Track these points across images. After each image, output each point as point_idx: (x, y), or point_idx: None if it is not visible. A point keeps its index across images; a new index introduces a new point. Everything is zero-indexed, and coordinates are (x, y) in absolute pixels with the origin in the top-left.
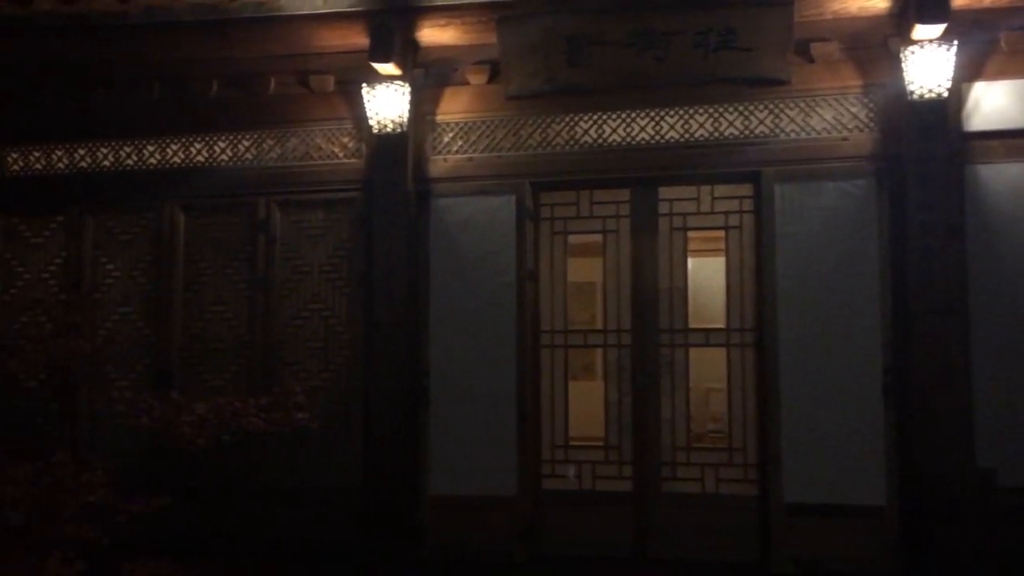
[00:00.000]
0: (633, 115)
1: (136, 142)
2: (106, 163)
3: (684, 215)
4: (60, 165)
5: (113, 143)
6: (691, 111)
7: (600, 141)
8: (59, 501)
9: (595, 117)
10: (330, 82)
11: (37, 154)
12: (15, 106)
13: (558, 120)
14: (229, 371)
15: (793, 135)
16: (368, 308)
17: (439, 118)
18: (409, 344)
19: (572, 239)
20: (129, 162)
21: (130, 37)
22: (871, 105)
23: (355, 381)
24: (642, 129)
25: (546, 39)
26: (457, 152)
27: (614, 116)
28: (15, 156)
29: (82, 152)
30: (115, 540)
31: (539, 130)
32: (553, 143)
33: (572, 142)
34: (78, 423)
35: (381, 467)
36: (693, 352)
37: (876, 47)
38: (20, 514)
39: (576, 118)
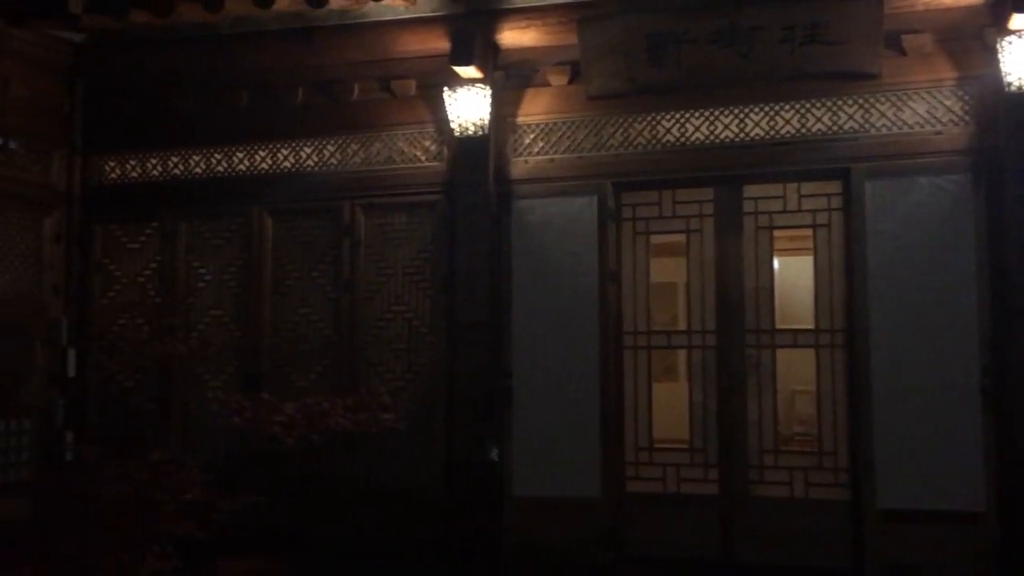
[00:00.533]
0: (716, 113)
1: (226, 149)
2: (198, 170)
3: (770, 213)
4: (154, 173)
5: (204, 150)
6: (777, 107)
7: (683, 140)
8: (157, 498)
9: (677, 116)
10: (412, 86)
11: (133, 163)
12: (111, 117)
13: (640, 119)
14: (315, 372)
15: (884, 130)
16: (451, 309)
17: (520, 120)
18: (491, 345)
19: (654, 239)
20: (219, 169)
21: (219, 47)
22: (966, 98)
23: (438, 382)
24: (726, 127)
25: (627, 39)
26: (538, 153)
27: (697, 114)
28: (112, 165)
29: (175, 160)
30: (209, 536)
31: (620, 130)
32: (635, 143)
33: (654, 141)
34: (172, 422)
35: (464, 467)
36: (777, 354)
37: (971, 38)
38: (120, 511)
39: (658, 117)
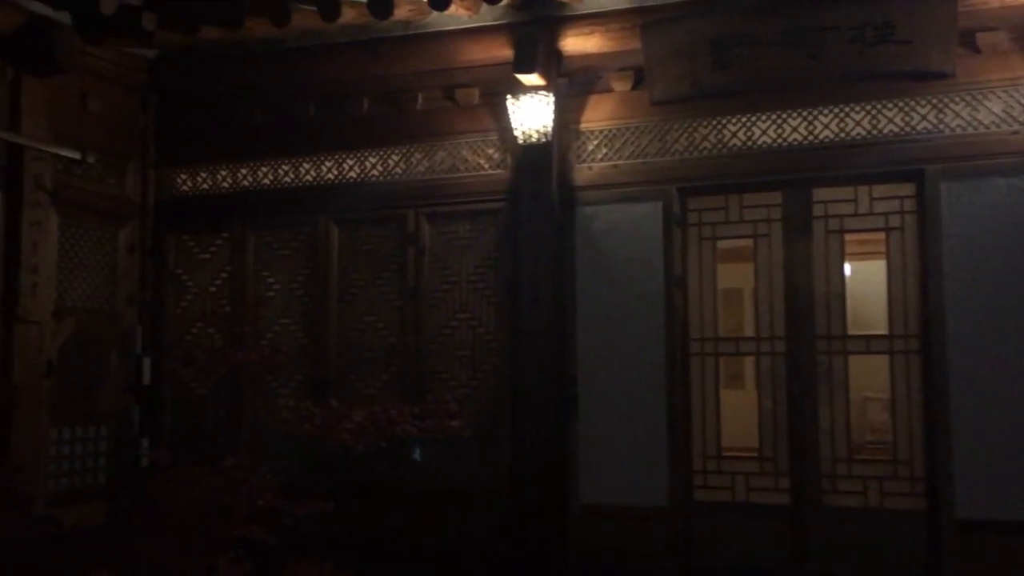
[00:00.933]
0: (784, 115)
1: (293, 160)
2: (266, 181)
3: (840, 216)
4: (224, 184)
5: (272, 162)
6: (847, 108)
7: (749, 143)
8: (230, 504)
9: (744, 119)
10: (475, 95)
11: (203, 175)
12: (183, 130)
13: (705, 123)
14: (381, 379)
15: (959, 130)
16: (515, 316)
17: (583, 126)
18: (556, 352)
19: (720, 244)
20: (287, 179)
21: (287, 60)
22: None
23: (503, 388)
24: (794, 129)
25: (691, 42)
26: (602, 159)
27: (764, 117)
28: (184, 177)
29: (244, 171)
30: (279, 541)
31: (685, 134)
32: (700, 147)
33: (720, 145)
34: (242, 429)
35: (530, 474)
36: (849, 360)
37: None
38: (195, 515)
39: (724, 121)
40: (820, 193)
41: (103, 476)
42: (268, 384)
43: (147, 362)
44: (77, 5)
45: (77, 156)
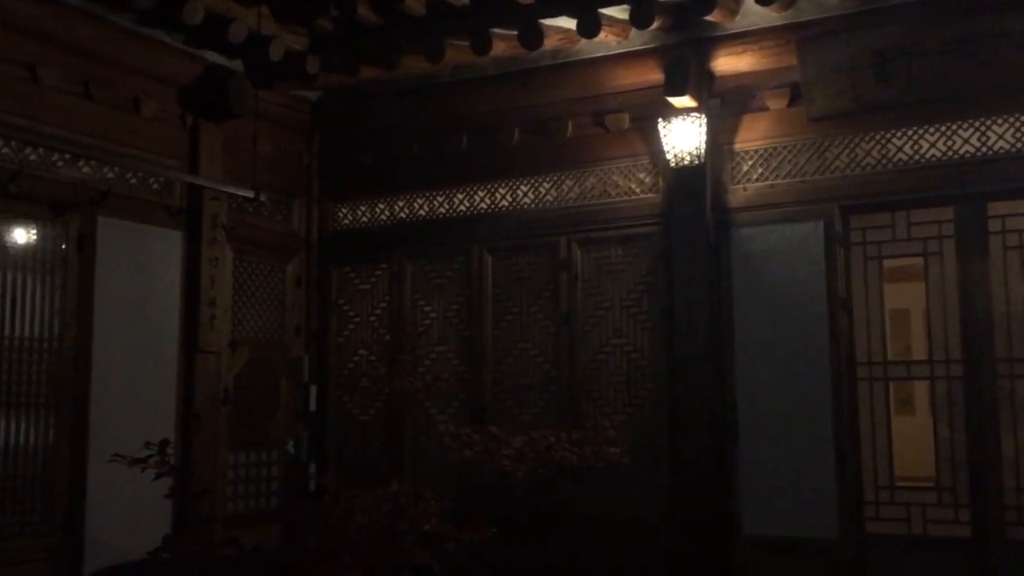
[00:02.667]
0: (954, 127)
1: (447, 191)
2: (421, 212)
3: (1020, 232)
4: (382, 217)
5: (427, 194)
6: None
7: (916, 157)
8: (398, 528)
9: (909, 132)
10: (625, 120)
11: (363, 208)
12: (344, 167)
13: (867, 138)
14: (537, 406)
15: None
16: (670, 342)
17: (737, 146)
18: (714, 378)
19: (887, 264)
20: (441, 210)
21: (441, 95)
22: None
23: (659, 415)
24: (965, 141)
25: (851, 56)
26: (758, 180)
27: (931, 129)
28: (344, 211)
29: (401, 204)
30: (443, 566)
31: (846, 151)
32: (863, 163)
33: (884, 160)
34: (403, 455)
35: (689, 503)
36: None
37: None
38: (364, 540)
39: (887, 135)
40: (996, 207)
41: (275, 500)
42: (427, 411)
43: (313, 390)
44: (249, 53)
45: (251, 195)
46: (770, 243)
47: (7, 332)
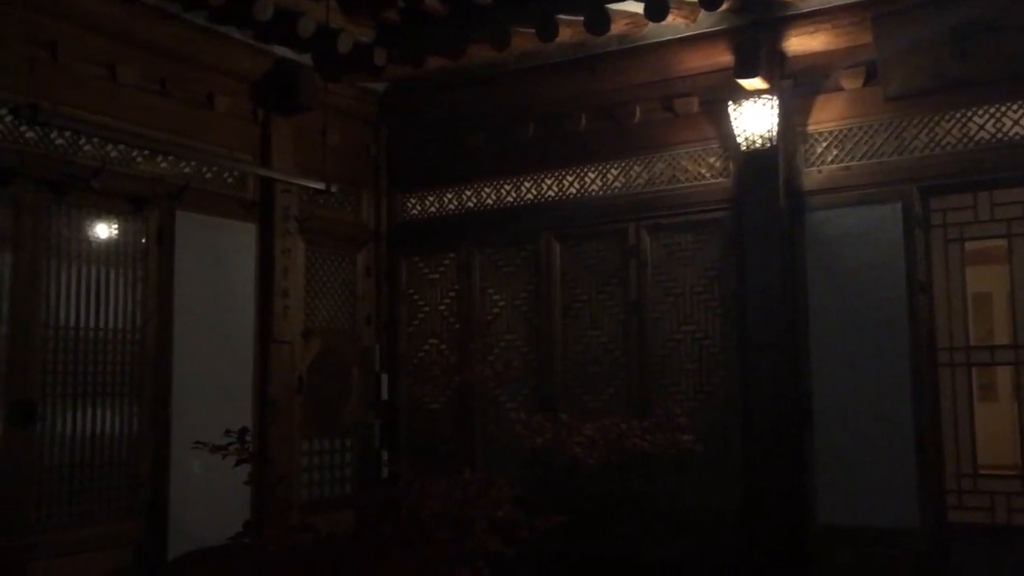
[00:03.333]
0: None
1: (514, 179)
2: (489, 201)
3: None
4: (450, 207)
5: (494, 182)
6: None
7: (999, 136)
8: (470, 515)
9: (991, 110)
10: (694, 103)
11: (431, 198)
12: (411, 157)
13: (947, 117)
14: (606, 393)
15: None
16: (742, 328)
17: (811, 128)
18: (788, 364)
19: (968, 246)
20: (509, 199)
21: (507, 83)
22: None
23: (732, 403)
24: None
25: (929, 32)
26: (832, 162)
27: (1014, 107)
28: (413, 202)
29: (468, 193)
30: (514, 554)
31: (925, 130)
32: (942, 143)
33: (965, 139)
34: (474, 442)
35: (763, 492)
36: None
37: None
38: (437, 527)
39: (968, 113)
40: None
41: (349, 486)
42: (496, 398)
43: (384, 378)
44: (317, 47)
45: (322, 187)
46: (846, 226)
47: (92, 324)
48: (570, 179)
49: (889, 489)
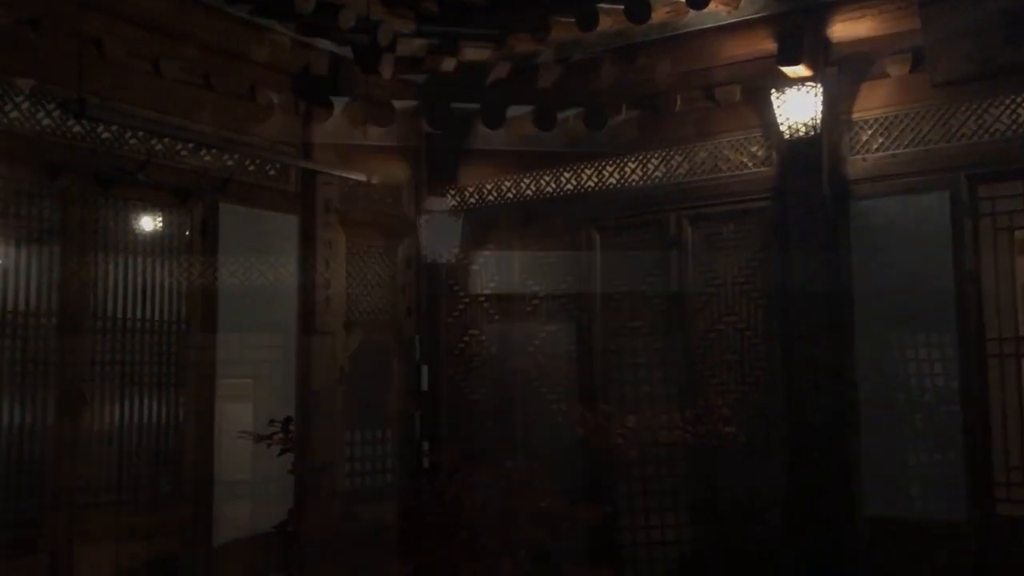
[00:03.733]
0: None
1: (554, 170)
2: (528, 192)
3: None
4: (490, 199)
5: (534, 174)
6: None
7: None
8: (513, 506)
9: None
10: (736, 92)
11: (470, 190)
12: (451, 148)
13: (996, 103)
14: (647, 384)
15: None
16: (785, 319)
17: (856, 115)
18: (832, 355)
19: (1019, 235)
20: (548, 190)
21: (547, 73)
22: None
23: (775, 394)
24: None
25: (979, 18)
26: (877, 150)
27: None
28: (452, 193)
29: (507, 184)
30: (557, 543)
31: (974, 117)
32: (991, 130)
33: (1015, 126)
34: (514, 433)
35: (807, 484)
36: None
37: None
38: (480, 517)
39: (1018, 99)
40: None
41: (390, 476)
42: (537, 390)
43: (425, 369)
44: (357, 39)
45: (363, 178)
46: (891, 215)
47: (138, 315)
48: (610, 169)
49: (936, 481)
